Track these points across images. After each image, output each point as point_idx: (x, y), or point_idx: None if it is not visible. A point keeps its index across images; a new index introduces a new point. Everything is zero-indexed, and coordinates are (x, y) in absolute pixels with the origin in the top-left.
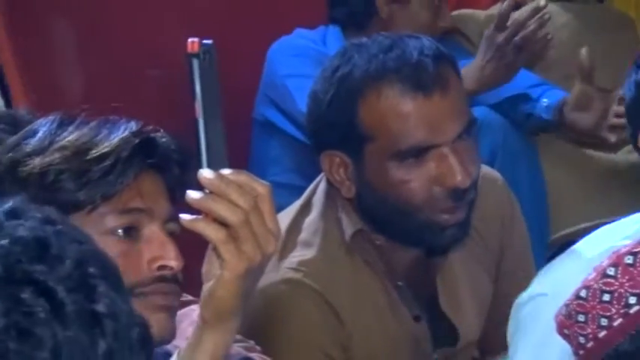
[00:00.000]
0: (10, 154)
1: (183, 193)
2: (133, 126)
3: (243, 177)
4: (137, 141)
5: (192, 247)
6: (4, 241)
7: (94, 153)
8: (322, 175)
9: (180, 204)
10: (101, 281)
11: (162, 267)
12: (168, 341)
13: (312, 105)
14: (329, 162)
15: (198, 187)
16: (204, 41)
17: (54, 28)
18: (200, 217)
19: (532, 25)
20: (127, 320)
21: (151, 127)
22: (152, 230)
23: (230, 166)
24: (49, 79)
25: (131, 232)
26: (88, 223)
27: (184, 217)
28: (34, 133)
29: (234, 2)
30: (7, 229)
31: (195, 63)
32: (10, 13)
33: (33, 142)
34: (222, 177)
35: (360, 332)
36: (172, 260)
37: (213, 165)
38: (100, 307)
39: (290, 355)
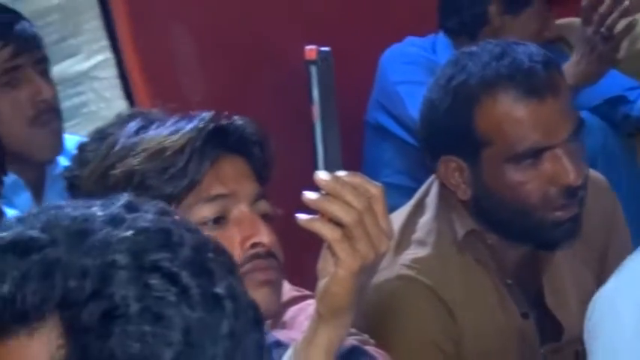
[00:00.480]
0: (97, 168)
1: (269, 173)
2: (206, 116)
3: (357, 179)
4: (209, 129)
5: (307, 243)
6: (129, 233)
7: (172, 148)
8: (433, 177)
9: (267, 184)
10: (218, 265)
11: (254, 244)
12: (274, 315)
13: (427, 112)
14: (445, 167)
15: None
16: (322, 48)
17: (176, 35)
18: (316, 216)
19: (615, 13)
20: (244, 301)
21: (222, 115)
22: (240, 211)
23: (344, 168)
24: (171, 85)
25: (220, 220)
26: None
27: (301, 216)
28: (115, 142)
29: (349, 10)
30: (129, 222)
31: (313, 69)
32: (133, 21)
33: (114, 152)
34: (337, 179)
35: (470, 328)
36: (264, 236)
37: (329, 167)
38: (220, 290)
39: (403, 349)
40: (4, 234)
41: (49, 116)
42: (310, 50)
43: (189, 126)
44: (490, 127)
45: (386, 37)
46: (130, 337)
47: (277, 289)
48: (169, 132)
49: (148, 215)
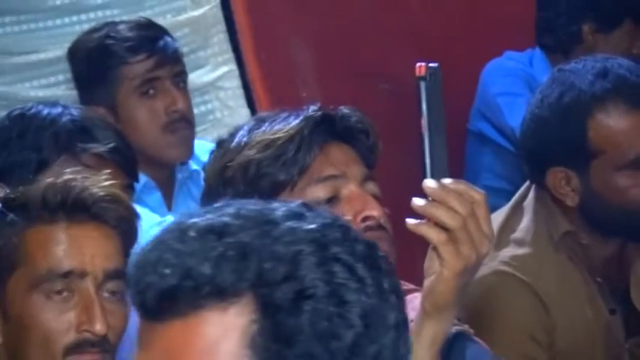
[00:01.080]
0: (217, 164)
1: (375, 159)
2: (314, 107)
3: (461, 186)
4: (316, 118)
5: (413, 244)
6: (313, 226)
7: (283, 138)
8: (529, 182)
9: (374, 169)
10: (384, 263)
11: (365, 218)
12: None
13: (534, 128)
14: (553, 178)
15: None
16: (431, 64)
17: (294, 48)
18: (424, 221)
19: None
20: (401, 295)
21: (329, 108)
22: (350, 190)
23: (449, 174)
24: (290, 95)
25: (332, 200)
26: (292, 200)
27: (410, 221)
28: (232, 139)
29: (454, 28)
30: (310, 217)
31: (422, 84)
32: (256, 36)
33: (231, 148)
34: (443, 186)
35: (563, 321)
36: (374, 210)
37: (436, 175)
38: (387, 285)
39: (501, 339)
40: (196, 219)
41: (181, 124)
42: (420, 66)
43: (298, 119)
44: (602, 139)
45: (487, 51)
46: (319, 315)
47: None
48: (280, 125)
49: (324, 213)
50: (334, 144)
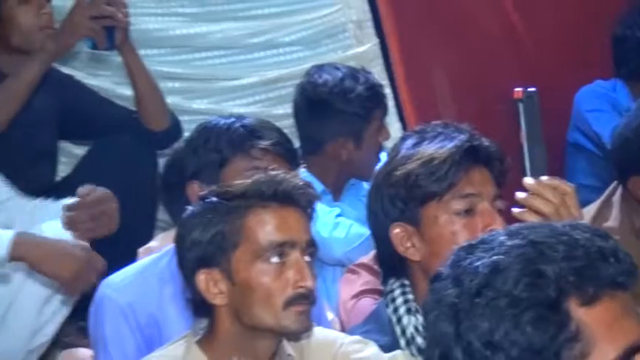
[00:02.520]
0: (384, 170)
1: (504, 180)
2: (463, 137)
3: (555, 181)
4: (465, 147)
5: None
6: (586, 235)
7: (439, 158)
8: (616, 182)
9: (504, 186)
10: None
11: (491, 231)
12: None
13: (620, 145)
14: (633, 184)
15: (523, 188)
16: (528, 89)
17: (436, 76)
18: (525, 209)
19: None
20: None
21: (475, 136)
22: (483, 206)
23: (549, 174)
24: (433, 113)
25: (469, 211)
26: (439, 208)
27: (515, 210)
28: (398, 152)
29: (553, 57)
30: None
31: (520, 106)
32: (406, 66)
33: (397, 159)
34: (539, 181)
35: None
36: (498, 225)
37: (534, 174)
38: None
39: None
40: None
41: None
42: (517, 91)
43: (451, 144)
44: None
45: (581, 79)
46: None
47: None
48: (437, 147)
49: (586, 233)
50: (476, 167)
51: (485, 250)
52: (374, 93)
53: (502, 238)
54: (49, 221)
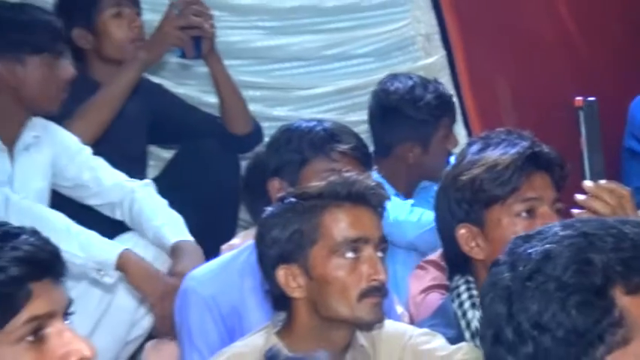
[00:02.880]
0: (450, 174)
1: (563, 185)
2: (525, 143)
3: (612, 185)
4: (527, 153)
5: None
6: (635, 229)
7: (503, 164)
8: None
9: (563, 192)
10: None
11: None
12: None
13: None
14: None
15: (581, 191)
16: (588, 99)
17: (498, 86)
18: (584, 210)
19: None
20: None
21: (536, 143)
22: (544, 210)
23: (607, 178)
24: (496, 120)
25: (530, 214)
26: (502, 211)
27: (575, 211)
28: (464, 157)
29: (609, 67)
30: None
31: (580, 114)
32: (470, 76)
33: (464, 163)
34: (597, 185)
35: None
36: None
37: (593, 178)
38: None
39: None
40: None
41: None
42: (578, 100)
43: (514, 150)
44: None
45: (636, 87)
46: None
47: None
48: (501, 153)
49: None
50: (537, 173)
51: (539, 240)
52: (442, 102)
53: (556, 229)
54: (128, 233)
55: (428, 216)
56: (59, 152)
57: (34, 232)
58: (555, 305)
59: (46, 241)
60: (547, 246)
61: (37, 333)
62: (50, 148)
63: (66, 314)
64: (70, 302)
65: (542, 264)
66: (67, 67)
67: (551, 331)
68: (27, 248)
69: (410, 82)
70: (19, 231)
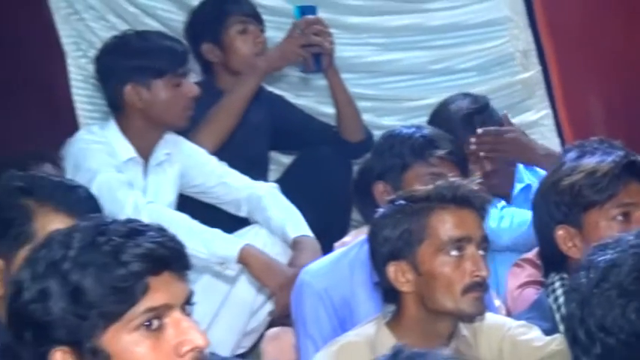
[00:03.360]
0: (550, 179)
1: None
2: (620, 153)
3: None
4: (624, 162)
5: None
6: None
7: (600, 171)
8: None
9: None
10: None
11: None
12: None
13: None
14: None
15: None
16: None
17: (590, 100)
18: None
19: None
20: None
21: (631, 152)
22: (638, 214)
23: None
24: (588, 131)
25: (626, 218)
26: (600, 215)
27: None
28: (564, 162)
29: None
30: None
31: None
32: (564, 89)
33: (562, 170)
34: None
35: None
36: None
37: None
38: None
39: None
40: None
41: None
42: None
43: (610, 158)
44: None
45: None
46: None
47: None
48: (598, 161)
49: None
50: (633, 180)
51: (612, 248)
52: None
53: (629, 237)
54: (253, 226)
55: (519, 218)
56: (188, 165)
57: (160, 230)
58: (617, 311)
59: (170, 238)
60: (615, 255)
61: (154, 322)
62: (180, 162)
63: (187, 305)
64: (191, 294)
65: (608, 272)
66: (191, 87)
67: (614, 334)
68: (148, 245)
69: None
70: (145, 228)
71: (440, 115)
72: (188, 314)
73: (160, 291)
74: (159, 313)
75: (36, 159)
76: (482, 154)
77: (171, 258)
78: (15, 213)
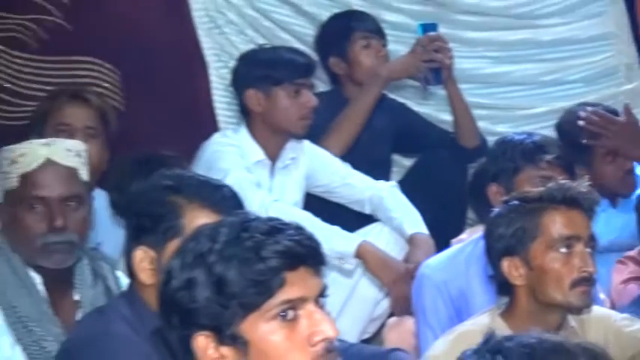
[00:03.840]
0: None
1: None
2: None
3: None
4: None
5: None
6: None
7: None
8: None
9: None
10: None
11: None
12: None
13: None
14: None
15: None
16: None
17: None
18: None
19: None
20: None
21: None
22: None
23: None
24: None
25: None
26: None
27: None
28: None
29: None
30: None
31: None
32: None
33: None
34: None
35: None
36: None
37: None
38: None
39: None
40: None
41: None
42: None
43: None
44: None
45: None
46: None
47: None
48: None
49: None
50: None
51: None
52: None
53: None
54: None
55: (615, 222)
56: (314, 167)
57: (298, 228)
58: None
59: (307, 236)
60: None
61: (289, 313)
62: (305, 165)
63: (321, 297)
64: (324, 288)
65: None
66: (309, 97)
67: None
68: (286, 243)
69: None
70: (284, 227)
71: (567, 121)
72: (321, 306)
73: (295, 285)
74: (294, 304)
75: (160, 161)
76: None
77: (308, 255)
78: (165, 209)
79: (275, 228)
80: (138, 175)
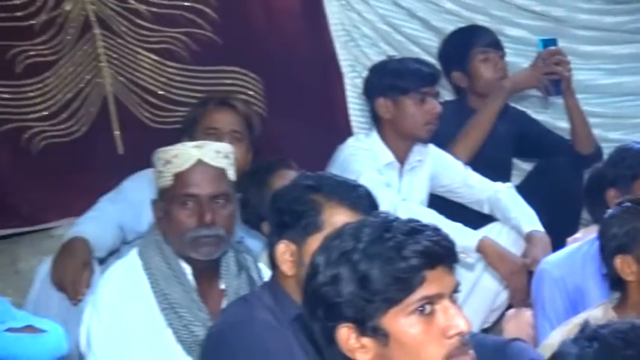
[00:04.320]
0: None
1: None
2: None
3: None
4: None
5: None
6: None
7: None
8: None
9: None
10: None
11: None
12: None
13: None
14: None
15: None
16: None
17: None
18: None
19: None
20: None
21: None
22: None
23: None
24: None
25: None
26: None
27: None
28: None
29: None
30: None
31: None
32: None
33: None
34: None
35: None
36: None
37: None
38: None
39: None
40: None
41: None
42: None
43: None
44: None
45: None
46: None
47: None
48: None
49: None
50: None
51: None
52: None
53: None
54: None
55: None
56: (437, 169)
57: (436, 229)
58: None
59: (444, 237)
60: None
61: (427, 308)
62: (430, 167)
63: (454, 293)
64: (457, 284)
65: None
66: (434, 104)
67: None
68: (426, 243)
69: None
70: (423, 228)
71: None
72: (454, 301)
73: (433, 282)
74: (431, 300)
75: (278, 164)
76: None
77: (445, 255)
78: (306, 206)
79: (415, 229)
80: (249, 184)
